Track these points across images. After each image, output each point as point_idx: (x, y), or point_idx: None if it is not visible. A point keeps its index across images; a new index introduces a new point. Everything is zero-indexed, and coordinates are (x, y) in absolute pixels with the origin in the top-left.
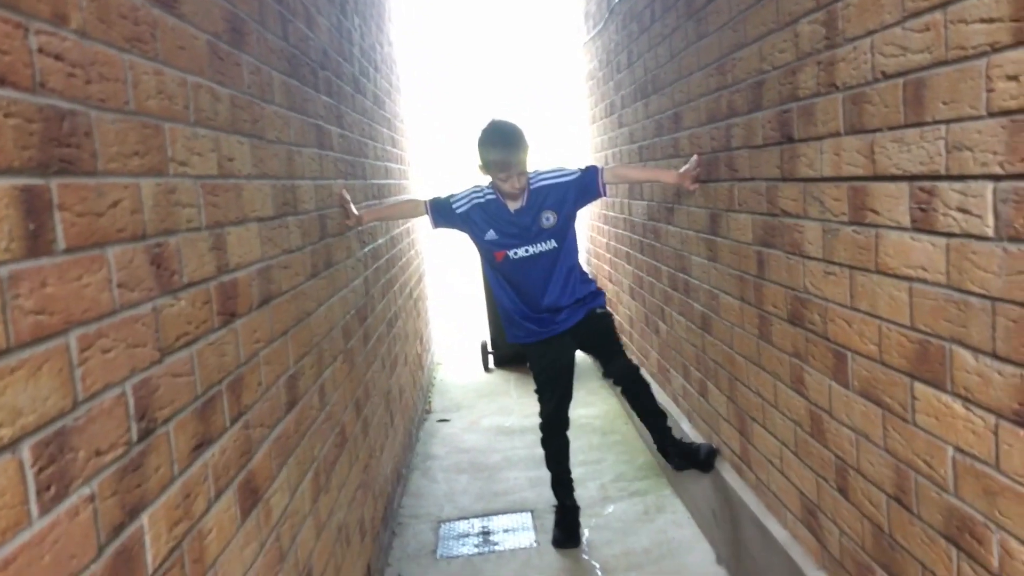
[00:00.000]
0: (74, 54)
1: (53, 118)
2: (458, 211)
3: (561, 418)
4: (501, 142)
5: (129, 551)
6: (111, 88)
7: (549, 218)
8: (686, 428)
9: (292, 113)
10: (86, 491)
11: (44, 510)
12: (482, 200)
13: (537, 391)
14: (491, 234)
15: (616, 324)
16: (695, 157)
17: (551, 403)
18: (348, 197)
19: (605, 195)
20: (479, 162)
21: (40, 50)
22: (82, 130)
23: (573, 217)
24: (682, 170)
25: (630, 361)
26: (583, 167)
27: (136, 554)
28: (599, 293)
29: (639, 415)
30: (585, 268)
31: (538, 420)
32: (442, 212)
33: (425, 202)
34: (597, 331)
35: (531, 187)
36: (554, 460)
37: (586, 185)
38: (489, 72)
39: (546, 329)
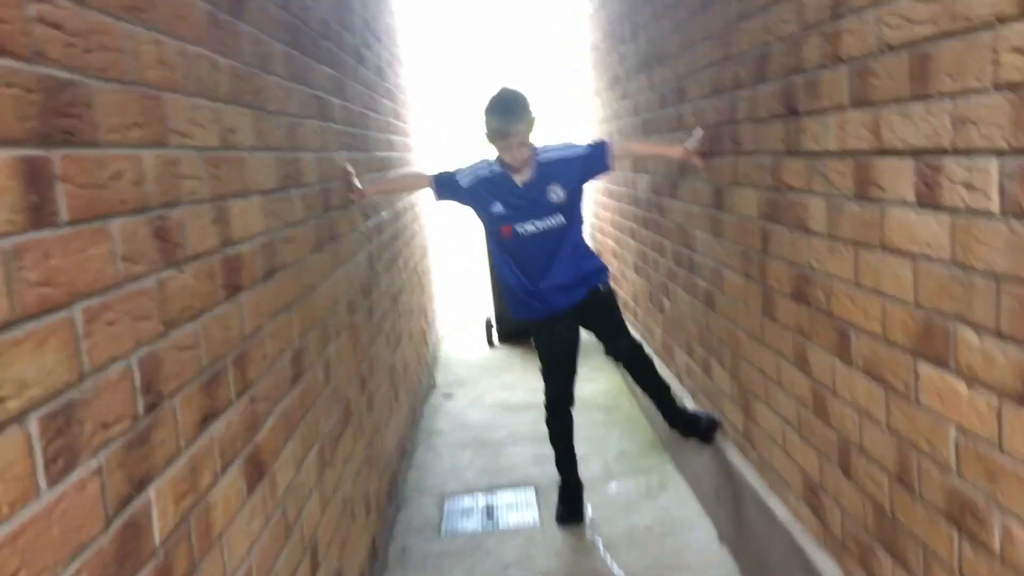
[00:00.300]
0: (73, 23)
1: (53, 88)
2: (463, 185)
3: (566, 396)
4: (502, 109)
5: (136, 524)
6: (110, 58)
7: (558, 193)
8: (689, 406)
9: (294, 84)
10: (93, 464)
11: (52, 482)
12: (488, 174)
13: (542, 369)
14: (498, 207)
15: (619, 301)
16: (698, 130)
17: (556, 381)
18: (352, 170)
19: (612, 169)
20: (484, 131)
21: (39, 18)
22: (82, 100)
23: (581, 192)
24: (688, 145)
25: (633, 339)
26: (593, 141)
27: (143, 527)
28: (602, 269)
29: (643, 389)
30: (589, 243)
31: (542, 397)
32: (447, 185)
33: (430, 176)
34: (599, 309)
35: (539, 161)
36: (559, 438)
37: (596, 159)
38: (494, 43)
39: (550, 306)
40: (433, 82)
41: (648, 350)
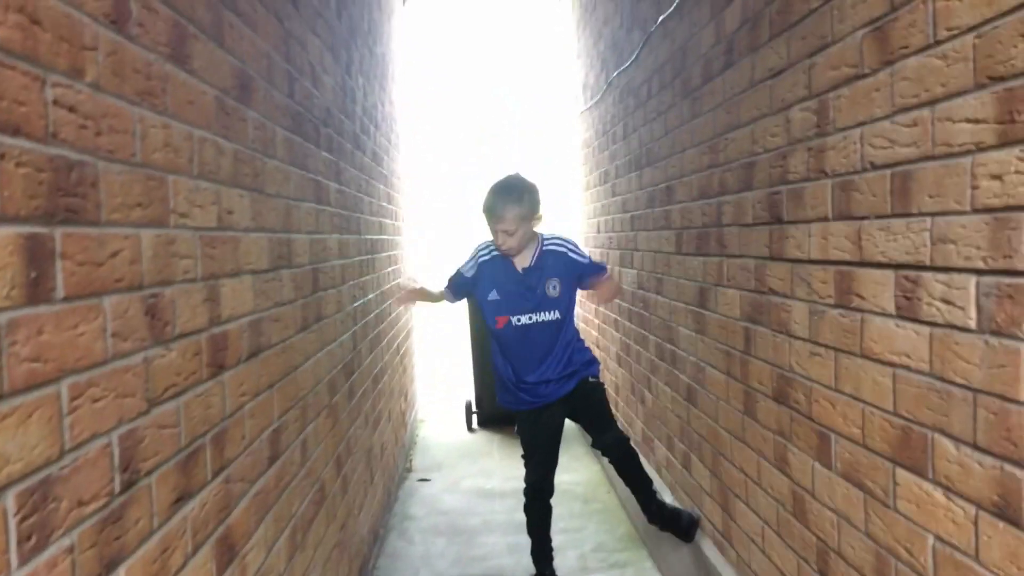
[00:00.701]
0: (87, 106)
1: (62, 168)
2: (467, 275)
3: (546, 484)
4: (495, 189)
5: None
6: (120, 140)
7: (556, 286)
8: (669, 500)
9: (292, 168)
10: (66, 542)
11: (23, 560)
12: (487, 257)
13: (524, 455)
14: (493, 294)
15: (608, 394)
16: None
17: (538, 469)
18: (416, 286)
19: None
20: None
21: (55, 102)
22: (89, 180)
23: (574, 291)
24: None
25: (621, 433)
26: (597, 262)
27: None
28: (593, 361)
29: (626, 482)
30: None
31: (519, 484)
32: (457, 285)
33: (445, 288)
34: (588, 401)
35: (543, 249)
36: (536, 527)
37: (590, 274)
38: (489, 136)
39: (538, 399)
40: (429, 169)
41: (633, 444)
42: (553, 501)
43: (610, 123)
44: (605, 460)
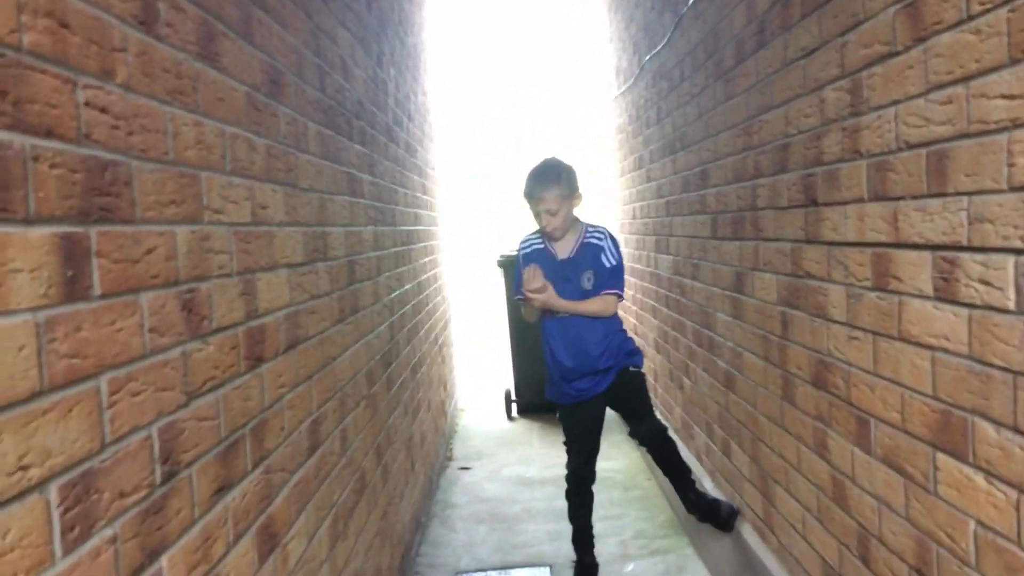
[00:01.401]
0: (118, 107)
1: (95, 168)
2: (522, 267)
3: (588, 471)
4: (534, 173)
5: None
6: (152, 139)
7: (590, 279)
8: (709, 487)
9: (325, 162)
10: (108, 532)
11: (68, 550)
12: (528, 250)
13: (566, 442)
14: None
15: (648, 384)
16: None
17: (579, 456)
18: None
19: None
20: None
21: (87, 103)
22: (122, 179)
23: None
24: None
25: (657, 424)
26: (618, 278)
27: None
28: (635, 352)
29: (664, 471)
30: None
31: (559, 471)
32: (520, 284)
33: (515, 299)
34: (628, 391)
35: (584, 241)
36: (577, 514)
37: (601, 283)
38: (522, 123)
39: (583, 393)
40: (462, 158)
41: (671, 433)
42: (594, 488)
43: (643, 107)
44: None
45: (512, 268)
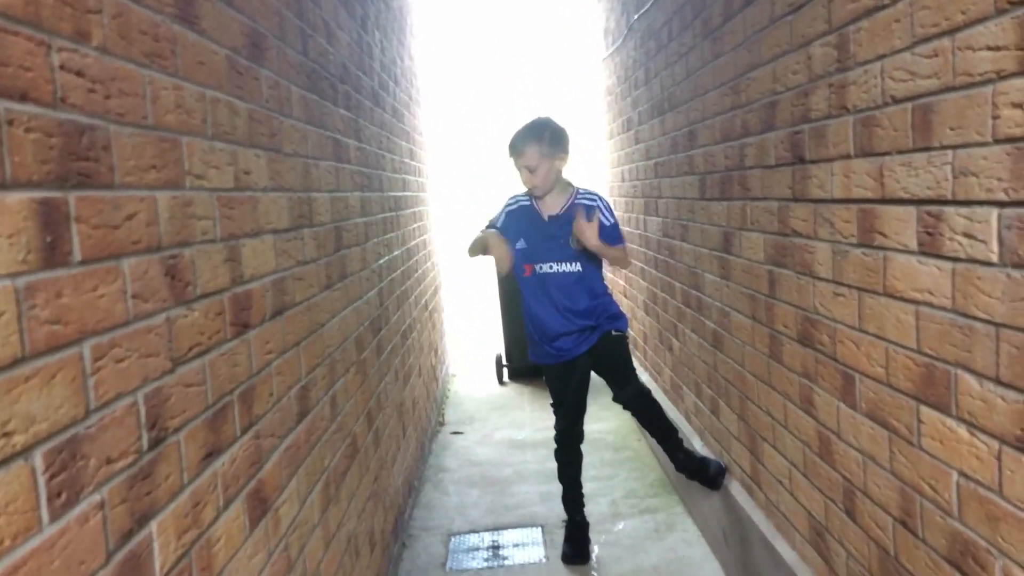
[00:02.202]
0: (95, 70)
1: (72, 133)
2: (497, 226)
3: (576, 432)
4: (521, 128)
5: (137, 558)
6: (130, 103)
7: (577, 240)
8: (698, 446)
9: (310, 127)
10: (96, 498)
11: (54, 516)
12: (514, 207)
13: (553, 404)
14: (521, 243)
15: (630, 347)
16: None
17: (566, 417)
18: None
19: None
20: None
21: (62, 66)
22: (100, 144)
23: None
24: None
25: (640, 387)
26: (618, 231)
27: (144, 561)
28: (619, 316)
29: (650, 433)
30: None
31: (550, 434)
32: (493, 224)
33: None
34: (609, 355)
35: (575, 200)
36: (566, 474)
37: (607, 240)
38: (509, 86)
39: (562, 354)
40: (450, 122)
41: (655, 395)
42: (584, 449)
43: (631, 68)
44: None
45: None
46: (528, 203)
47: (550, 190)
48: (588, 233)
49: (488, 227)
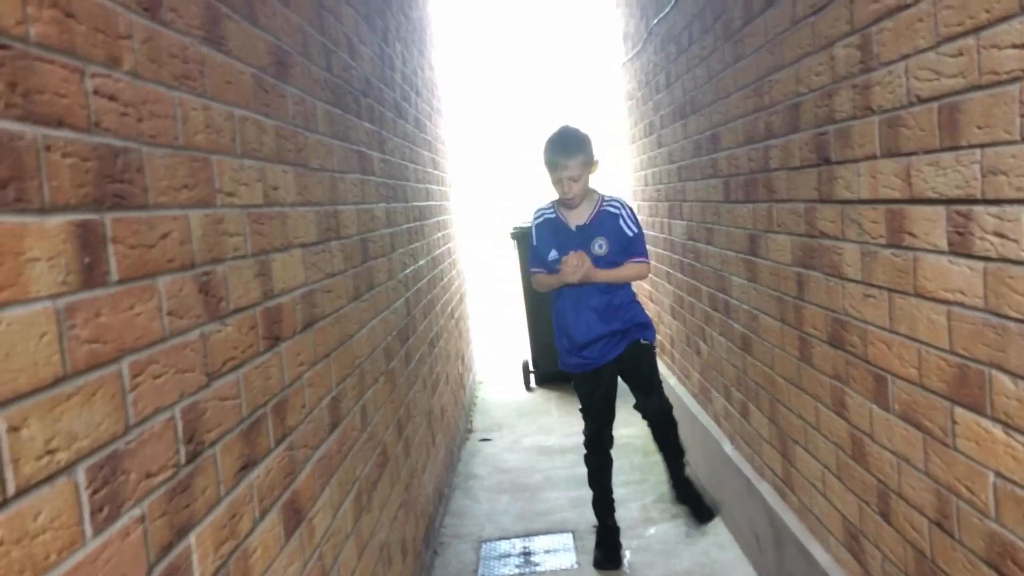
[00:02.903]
0: (127, 94)
1: (107, 156)
2: (535, 241)
3: (604, 436)
4: (554, 141)
5: (177, 570)
6: (161, 125)
7: (602, 245)
8: (728, 450)
9: (335, 141)
10: (137, 512)
11: (97, 531)
12: (540, 220)
13: (581, 409)
14: (553, 254)
15: (657, 358)
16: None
17: (595, 422)
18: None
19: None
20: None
21: (95, 92)
22: (134, 166)
23: (622, 254)
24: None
25: (666, 401)
26: (642, 244)
27: (184, 573)
28: (647, 326)
29: (659, 447)
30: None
31: (579, 439)
32: (534, 255)
33: (532, 271)
34: (637, 364)
35: (600, 208)
36: (596, 479)
37: (627, 252)
38: (529, 93)
39: (592, 361)
40: (473, 130)
41: (683, 401)
42: (614, 455)
43: (652, 72)
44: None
45: (525, 240)
46: (553, 215)
47: (584, 199)
48: (574, 275)
49: (532, 251)
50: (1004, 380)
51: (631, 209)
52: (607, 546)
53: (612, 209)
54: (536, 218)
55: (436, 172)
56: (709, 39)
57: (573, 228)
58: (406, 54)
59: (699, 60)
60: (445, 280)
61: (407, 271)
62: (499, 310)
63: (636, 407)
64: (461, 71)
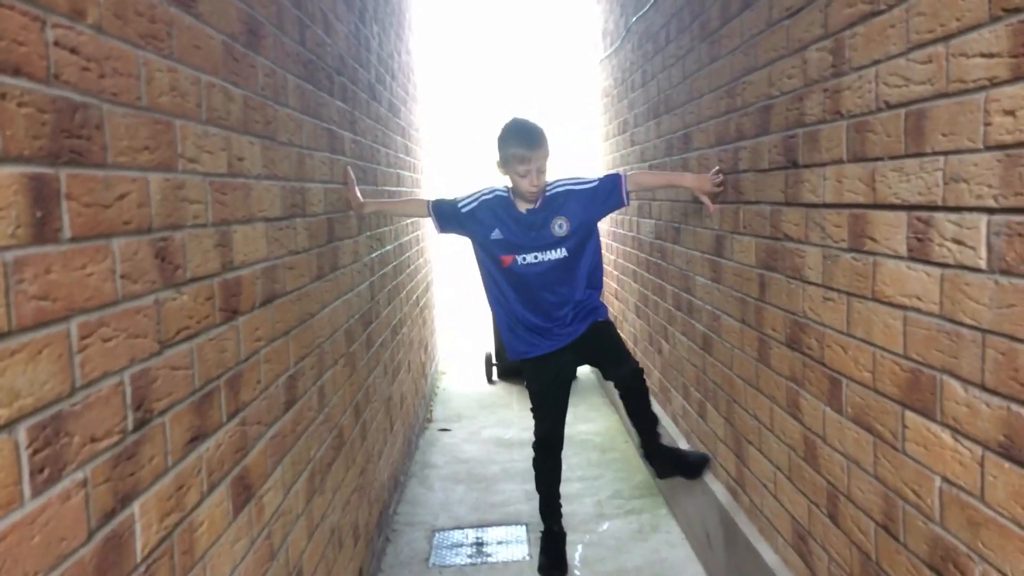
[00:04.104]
0: (89, 48)
1: (65, 109)
2: (464, 210)
3: (555, 436)
4: (523, 134)
5: (119, 537)
6: (124, 83)
7: (562, 225)
8: (684, 449)
9: (305, 117)
10: (79, 476)
11: (36, 492)
12: (490, 197)
13: (533, 408)
14: (496, 233)
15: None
16: (718, 171)
17: (547, 420)
18: (353, 177)
19: (628, 203)
20: (498, 158)
21: (56, 43)
22: (93, 123)
23: (590, 228)
24: (702, 176)
25: (636, 365)
26: (604, 175)
27: (126, 541)
28: (601, 306)
29: (631, 417)
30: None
31: (561, 433)
32: (447, 214)
33: (429, 202)
34: (601, 341)
35: (547, 193)
36: (544, 482)
37: (607, 193)
38: (507, 85)
39: (549, 342)
40: (447, 120)
41: (647, 378)
42: (571, 451)
43: (629, 71)
44: (624, 411)
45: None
46: (505, 195)
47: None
48: (697, 187)
49: (449, 203)
50: (955, 386)
51: (574, 177)
52: (552, 553)
53: (559, 189)
54: (485, 192)
55: (408, 159)
56: (686, 38)
57: (523, 211)
58: (383, 36)
59: (675, 59)
60: (411, 268)
61: (373, 255)
62: (465, 302)
63: (607, 377)
64: (439, 59)
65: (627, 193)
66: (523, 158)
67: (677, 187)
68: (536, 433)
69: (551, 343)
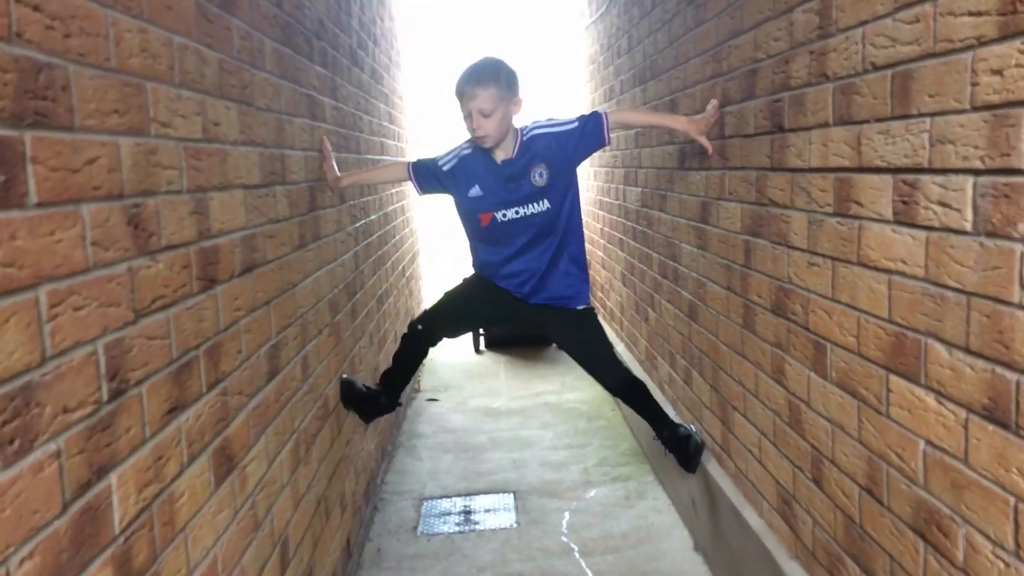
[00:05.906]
0: (53, 6)
1: (29, 69)
2: (444, 168)
3: (435, 337)
4: (467, 70)
5: (95, 509)
6: (91, 43)
7: (542, 174)
8: (671, 416)
9: (284, 82)
10: (52, 447)
11: (6, 463)
12: (469, 151)
13: (441, 300)
14: (475, 190)
15: (603, 325)
16: (713, 103)
17: (438, 322)
18: (330, 148)
19: (608, 143)
20: None
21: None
22: (59, 84)
23: (571, 174)
24: (696, 117)
25: (627, 374)
26: (584, 114)
27: (103, 512)
28: (584, 290)
29: (640, 413)
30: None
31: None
32: (427, 174)
33: (408, 164)
34: (581, 334)
35: (524, 137)
36: (404, 362)
37: (588, 133)
38: (492, 54)
39: (517, 290)
40: (431, 87)
41: (641, 376)
42: (558, 419)
43: (615, 36)
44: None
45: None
46: (470, 151)
47: (501, 140)
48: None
49: (430, 162)
50: (939, 349)
51: (554, 119)
52: (368, 403)
53: (537, 132)
54: (464, 147)
55: (392, 127)
56: (672, 2)
57: (499, 163)
58: (364, 0)
59: (661, 24)
60: (397, 237)
61: (357, 224)
62: (453, 271)
63: (599, 382)
64: (423, 26)
65: (607, 131)
66: (461, 95)
67: (667, 129)
68: (421, 319)
69: (518, 291)
